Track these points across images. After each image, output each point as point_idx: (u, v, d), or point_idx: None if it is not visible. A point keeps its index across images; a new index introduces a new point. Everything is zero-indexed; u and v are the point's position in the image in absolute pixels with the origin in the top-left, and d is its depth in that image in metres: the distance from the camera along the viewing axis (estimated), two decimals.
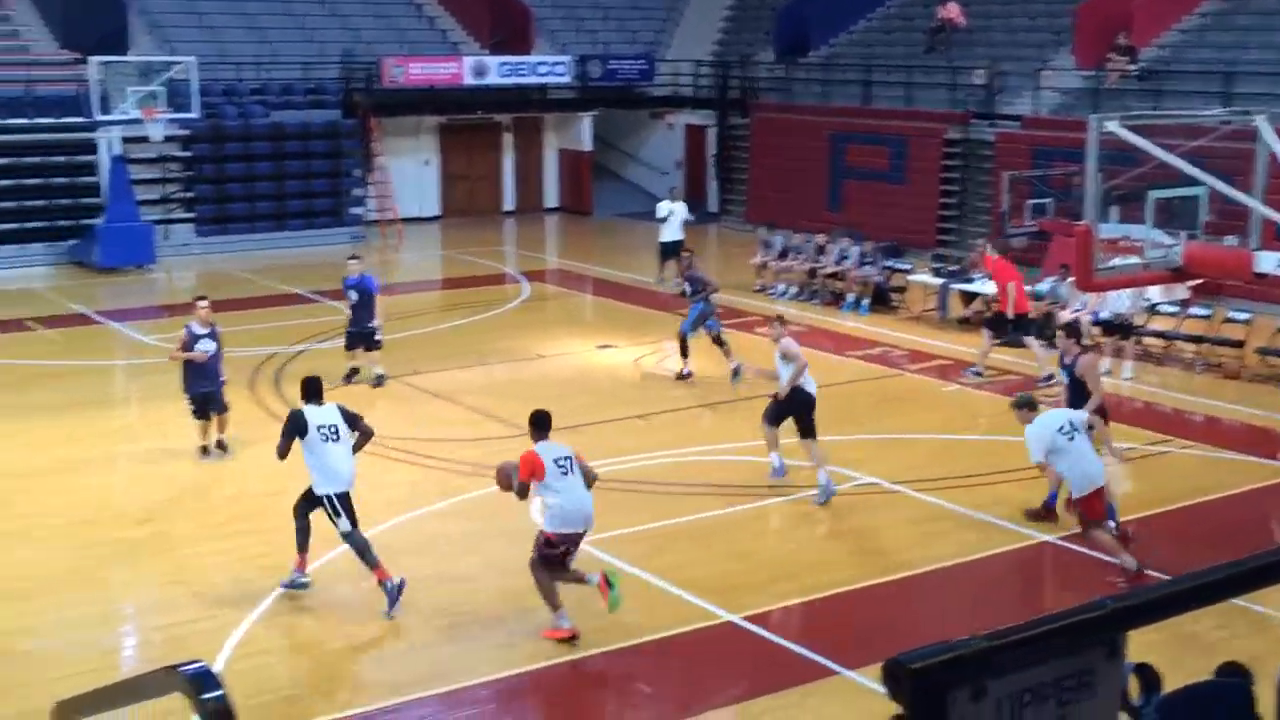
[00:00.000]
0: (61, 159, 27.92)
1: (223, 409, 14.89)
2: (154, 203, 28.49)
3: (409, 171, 33.73)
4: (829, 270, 23.59)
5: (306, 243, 29.01)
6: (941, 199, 29.01)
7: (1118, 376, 18.10)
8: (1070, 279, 18.91)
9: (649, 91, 36.69)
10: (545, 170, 36.31)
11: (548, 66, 34.62)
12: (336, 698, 9.56)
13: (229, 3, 33.78)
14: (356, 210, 31.58)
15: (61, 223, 27.59)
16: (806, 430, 13.39)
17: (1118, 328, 18.51)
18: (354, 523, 10.91)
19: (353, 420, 11.15)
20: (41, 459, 14.74)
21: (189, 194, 29.65)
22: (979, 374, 18.24)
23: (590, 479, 10.29)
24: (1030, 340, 18.36)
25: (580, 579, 10.35)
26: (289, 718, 9.02)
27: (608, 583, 10.27)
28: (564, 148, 36.19)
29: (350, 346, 17.84)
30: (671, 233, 24.84)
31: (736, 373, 17.45)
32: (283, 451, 11.06)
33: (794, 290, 23.98)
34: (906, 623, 10.85)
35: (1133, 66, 26.57)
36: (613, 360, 19.53)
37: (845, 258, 23.43)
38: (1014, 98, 28.59)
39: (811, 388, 13.58)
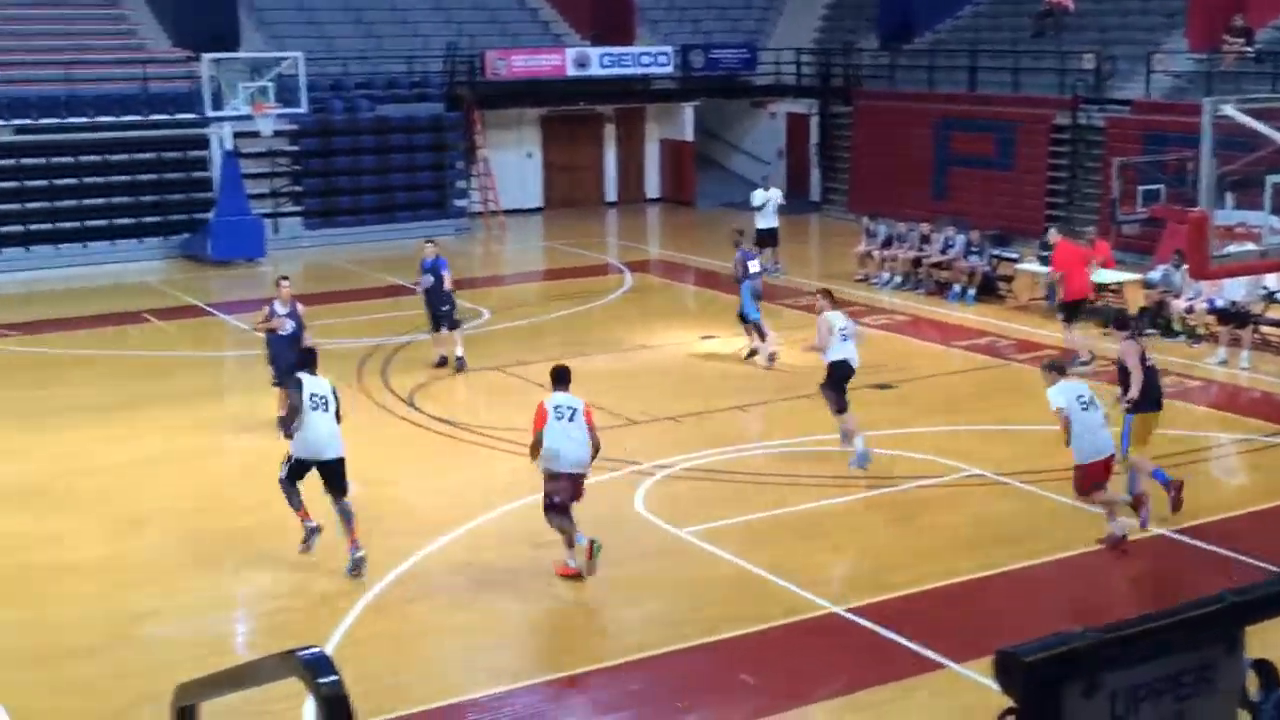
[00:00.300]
0: (175, 155, 28.56)
1: None
2: (263, 197, 29.04)
3: (512, 163, 33.97)
4: (934, 259, 23.32)
5: (411, 235, 29.24)
6: (1049, 186, 28.50)
7: (1234, 366, 17.69)
8: (1184, 267, 18.52)
9: (751, 81, 36.53)
10: (647, 161, 36.33)
11: (650, 57, 34.64)
12: (443, 684, 9.67)
13: None
14: (460, 202, 31.90)
15: (175, 217, 28.24)
16: (838, 397, 14.10)
17: (1234, 316, 18.08)
18: (291, 477, 11.52)
19: (337, 398, 11.77)
20: (158, 448, 15.10)
21: (297, 188, 30.17)
22: (1085, 362, 17.91)
23: (594, 442, 11.09)
24: (1072, 333, 18.33)
25: (571, 539, 11.03)
26: (397, 704, 9.14)
27: (592, 552, 10.95)
28: (666, 138, 36.17)
29: (435, 328, 18.32)
30: (767, 220, 24.94)
31: (752, 354, 18.46)
32: (287, 422, 11.76)
33: (898, 280, 23.74)
34: (1015, 616, 10.70)
35: (1249, 48, 25.87)
36: (715, 350, 19.49)
37: (950, 246, 23.15)
38: (1125, 81, 27.98)
39: (855, 361, 14.15)
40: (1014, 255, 23.45)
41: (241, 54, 28.72)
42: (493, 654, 10.16)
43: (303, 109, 27.80)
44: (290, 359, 14.86)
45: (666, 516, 12.64)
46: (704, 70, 35.44)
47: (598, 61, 33.73)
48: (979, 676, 9.17)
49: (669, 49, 34.98)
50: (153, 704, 8.84)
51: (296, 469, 11.57)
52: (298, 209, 30.02)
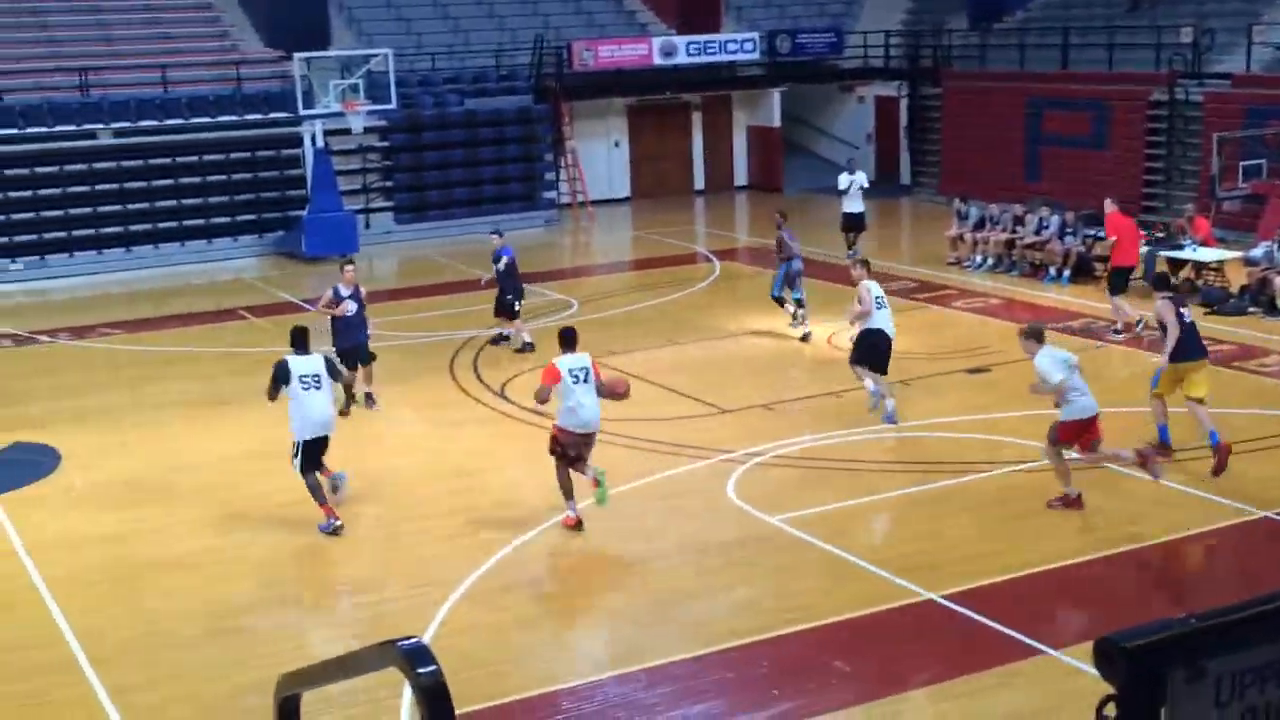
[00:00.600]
0: (268, 153, 29.02)
1: (368, 360, 16.25)
2: (355, 193, 29.40)
3: (599, 153, 34.05)
4: (1028, 241, 22.98)
5: (501, 228, 29.46)
6: (1147, 164, 27.94)
7: None
8: None
9: (838, 65, 36.25)
10: (735, 148, 36.21)
11: (736, 44, 34.52)
12: (539, 673, 9.73)
13: None
14: (549, 194, 32.04)
15: (269, 215, 28.71)
16: (878, 366, 14.88)
17: None
18: (314, 468, 12.21)
19: (335, 372, 12.47)
20: (255, 443, 15.35)
21: (388, 183, 30.51)
22: (1119, 331, 18.33)
23: (601, 390, 11.88)
24: (1117, 299, 18.53)
25: (583, 472, 11.87)
26: (494, 693, 9.22)
27: (596, 482, 11.78)
28: (753, 125, 36.02)
29: (497, 313, 19.15)
30: (853, 204, 24.81)
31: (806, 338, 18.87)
32: (271, 395, 12.33)
33: (991, 262, 23.43)
34: (1115, 602, 10.52)
35: None
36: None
37: (1045, 227, 22.79)
38: (1224, 55, 27.34)
39: (891, 330, 14.91)
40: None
41: (332, 52, 29.07)
42: (587, 642, 10.21)
43: (392, 105, 28.10)
44: (350, 342, 16.07)
45: (758, 504, 12.60)
46: (790, 55, 35.23)
47: (684, 50, 33.68)
48: (1078, 663, 9.03)
49: (755, 35, 34.82)
50: (253, 694, 9.02)
51: (308, 452, 12.14)
52: (388, 204, 30.35)
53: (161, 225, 27.88)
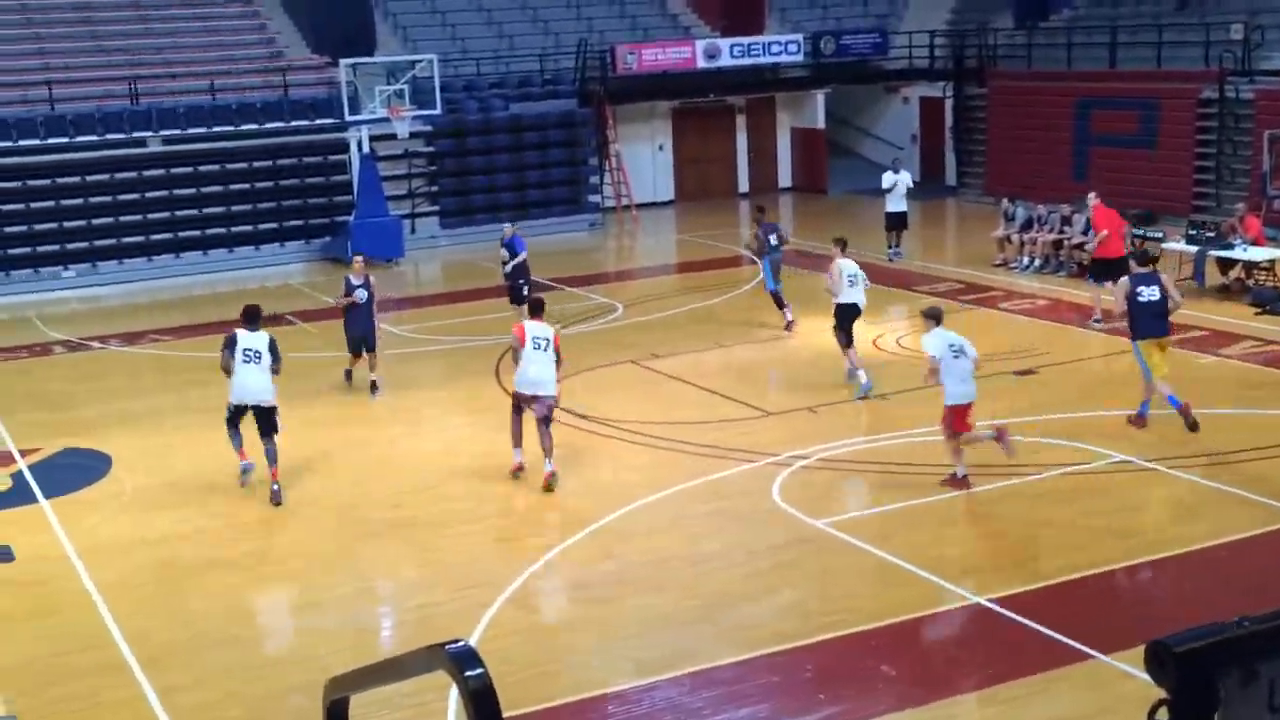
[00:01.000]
0: (315, 159, 29.23)
1: (372, 347, 17.31)
2: (401, 198, 29.55)
3: (643, 157, 34.08)
4: (1076, 241, 22.79)
5: (546, 231, 29.56)
6: (1197, 163, 27.66)
7: None
8: None
9: (882, 65, 36.12)
10: (779, 150, 36.14)
11: (780, 46, 34.47)
12: (586, 677, 9.74)
13: None
14: (593, 197, 32.10)
15: (315, 220, 28.91)
16: (846, 335, 16.36)
17: None
18: (235, 426, 13.67)
19: (276, 354, 13.55)
20: (303, 445, 15.48)
21: (433, 188, 30.65)
22: (1098, 320, 18.85)
23: (559, 360, 13.37)
24: (1104, 286, 18.64)
25: (519, 439, 13.51)
26: (541, 697, 9.23)
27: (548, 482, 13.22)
28: (797, 126, 35.93)
29: (514, 301, 19.77)
30: (896, 203, 24.80)
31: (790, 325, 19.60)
32: (224, 365, 13.55)
33: (1038, 263, 23.25)
34: (1165, 606, 10.42)
35: None
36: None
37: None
38: (1274, 52, 27.01)
39: (862, 304, 16.46)
40: (1159, 234, 22.80)
41: (377, 58, 29.25)
42: (633, 646, 10.20)
43: (437, 110, 28.25)
44: (359, 330, 17.29)
45: (804, 507, 12.57)
46: (834, 57, 35.13)
47: (728, 52, 33.66)
48: (1129, 667, 8.94)
49: (799, 37, 34.75)
50: (300, 694, 9.09)
51: (233, 413, 13.58)
52: (434, 209, 30.49)
53: (210, 231, 28.15)
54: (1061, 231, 23.13)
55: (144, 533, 12.85)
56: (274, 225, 28.57)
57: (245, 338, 13.59)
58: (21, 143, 26.91)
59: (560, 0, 35.66)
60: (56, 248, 26.98)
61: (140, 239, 27.59)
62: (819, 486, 13.31)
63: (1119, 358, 17.67)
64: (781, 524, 12.28)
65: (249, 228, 28.44)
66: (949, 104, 34.46)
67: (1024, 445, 13.77)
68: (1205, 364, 17.05)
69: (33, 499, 13.95)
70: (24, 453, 15.57)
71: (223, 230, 28.22)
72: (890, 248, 25.08)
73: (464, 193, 30.72)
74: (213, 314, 23.57)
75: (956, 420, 12.74)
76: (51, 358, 20.91)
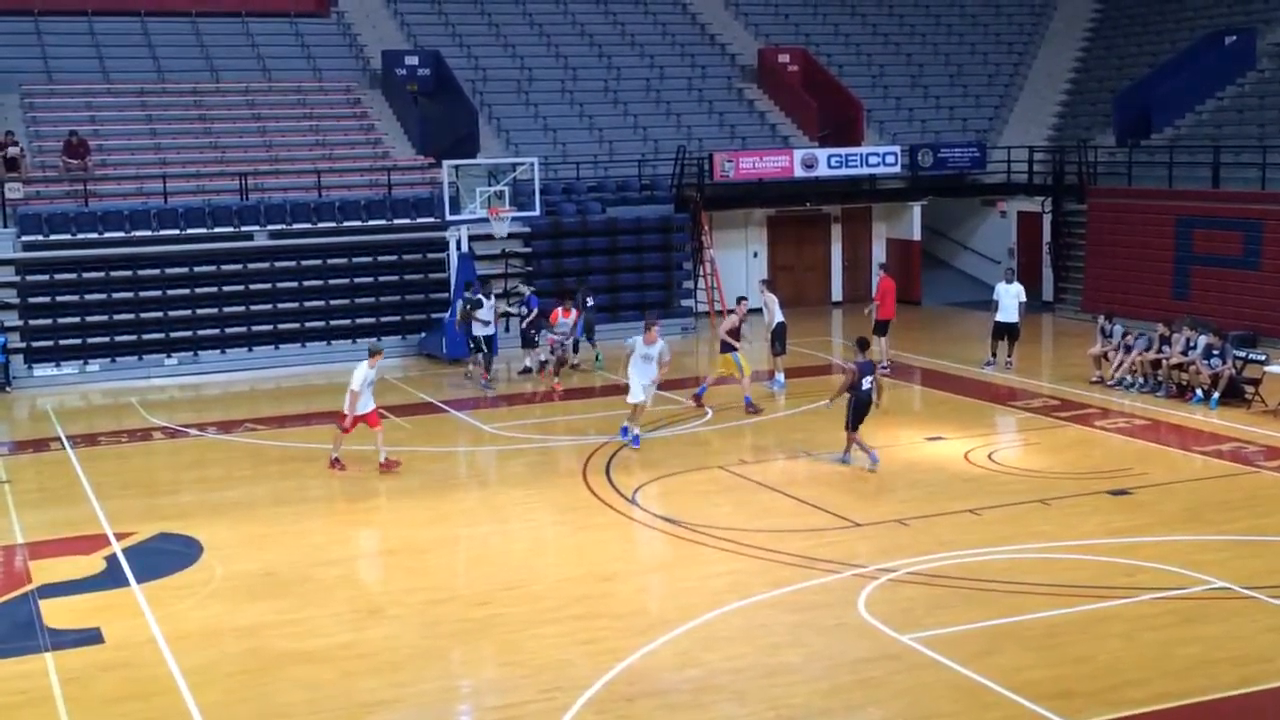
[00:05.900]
0: (414, 256, 29.77)
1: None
2: (497, 297, 29.88)
3: (737, 263, 34.26)
4: (1175, 361, 22.43)
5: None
6: None
7: None
8: None
9: (980, 179, 36.11)
10: (873, 260, 36.12)
11: (877, 157, 34.63)
12: None
13: (570, 105, 35.48)
14: (687, 302, 32.24)
15: (412, 316, 29.37)
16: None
17: None
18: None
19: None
20: (395, 540, 15.59)
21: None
22: (886, 367, 21.87)
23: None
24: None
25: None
26: None
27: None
28: (892, 237, 35.95)
29: (524, 345, 24.86)
30: (1007, 314, 24.69)
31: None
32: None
33: (1139, 382, 22.90)
34: None
35: None
36: (942, 452, 19.11)
37: (1192, 347, 22.24)
38: None
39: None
40: (1261, 356, 22.38)
41: (480, 160, 29.83)
42: None
43: (536, 212, 28.69)
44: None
45: (890, 621, 12.37)
46: (932, 169, 35.21)
47: (825, 162, 33.90)
48: None
49: (896, 149, 34.91)
50: None
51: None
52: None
53: (309, 324, 28.70)
54: (1160, 351, 22.79)
55: (233, 621, 12.97)
56: (371, 319, 29.05)
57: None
58: (134, 233, 27.78)
59: (661, 109, 36.22)
60: (161, 335, 27.67)
61: (242, 329, 28.22)
62: (906, 601, 13.10)
63: (1219, 481, 17.29)
64: (867, 638, 12.09)
65: (347, 321, 28.96)
66: (1047, 219, 34.30)
67: (1118, 567, 13.49)
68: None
69: (125, 582, 14.17)
70: (119, 536, 15.85)
71: (321, 323, 28.76)
72: (992, 356, 25.04)
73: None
74: (308, 405, 23.99)
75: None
76: (150, 443, 21.34)
